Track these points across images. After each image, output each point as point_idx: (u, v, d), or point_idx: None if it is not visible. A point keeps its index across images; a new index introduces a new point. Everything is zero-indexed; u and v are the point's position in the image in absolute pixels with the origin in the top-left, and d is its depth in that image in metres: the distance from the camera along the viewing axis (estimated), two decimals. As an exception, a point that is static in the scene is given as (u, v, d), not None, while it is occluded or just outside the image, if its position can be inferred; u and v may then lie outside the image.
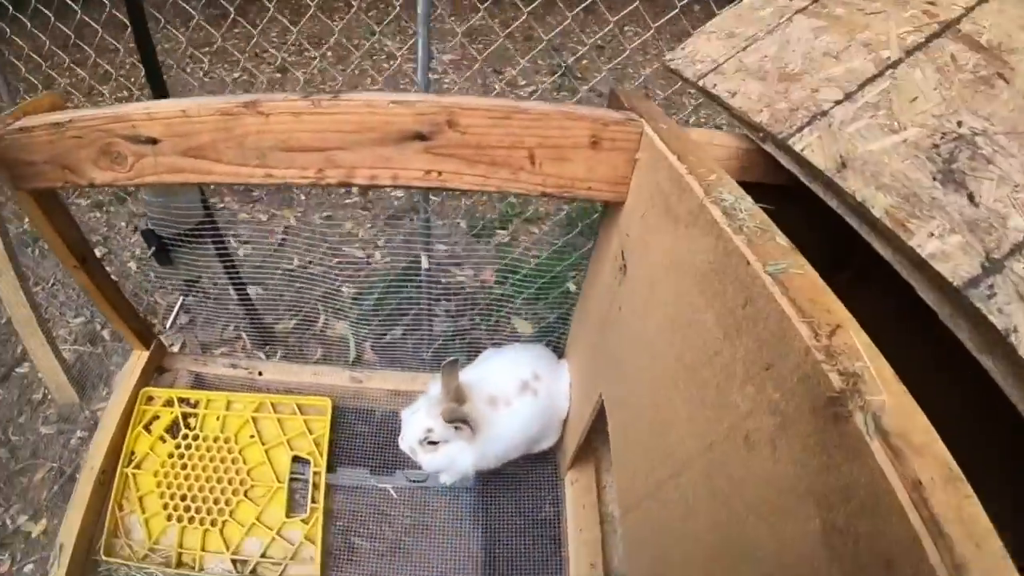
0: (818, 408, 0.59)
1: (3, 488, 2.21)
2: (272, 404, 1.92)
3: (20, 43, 2.22)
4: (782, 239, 0.78)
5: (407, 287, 2.38)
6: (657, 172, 1.07)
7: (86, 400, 2.44)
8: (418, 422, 1.59)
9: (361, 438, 1.96)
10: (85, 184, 1.34)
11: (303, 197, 3.46)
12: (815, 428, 0.60)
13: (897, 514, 0.49)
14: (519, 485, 1.90)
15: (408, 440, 1.62)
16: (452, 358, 1.56)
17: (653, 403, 1.05)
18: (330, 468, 1.87)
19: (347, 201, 3.42)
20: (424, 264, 2.23)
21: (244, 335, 2.66)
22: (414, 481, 1.88)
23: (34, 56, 2.24)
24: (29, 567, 2.02)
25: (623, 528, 1.22)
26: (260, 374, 2.00)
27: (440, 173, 1.26)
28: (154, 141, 1.25)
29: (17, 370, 2.59)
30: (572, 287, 2.82)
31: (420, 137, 1.23)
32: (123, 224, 3.25)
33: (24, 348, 2.51)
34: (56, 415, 2.42)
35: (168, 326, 2.13)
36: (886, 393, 0.56)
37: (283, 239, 3.11)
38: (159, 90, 1.82)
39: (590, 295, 1.61)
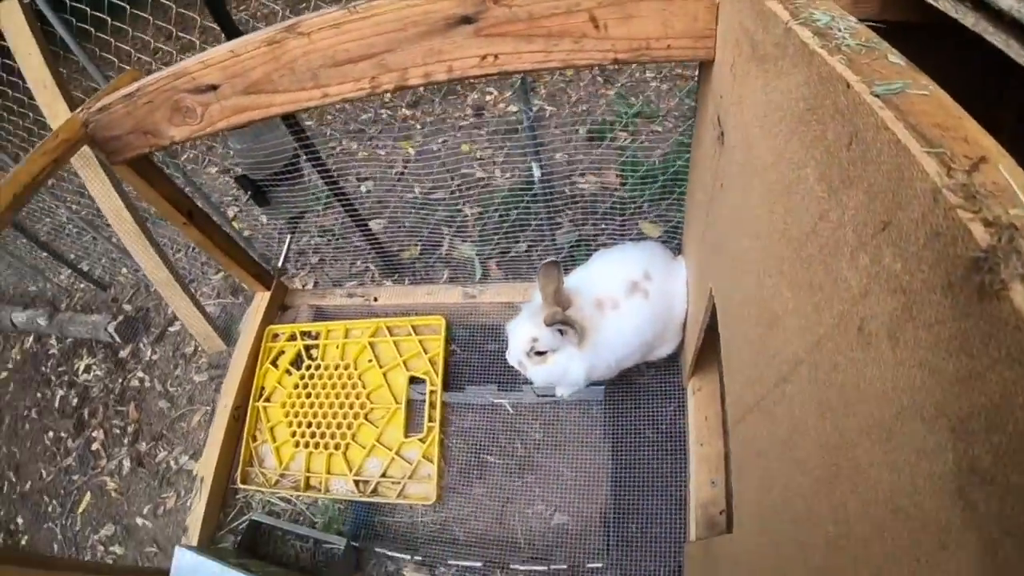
0: (955, 279, 0.38)
1: (166, 435, 2.34)
2: (388, 328, 1.86)
3: (106, 38, 2.22)
4: (897, 57, 0.54)
5: (524, 200, 2.21)
6: (740, 11, 0.83)
7: (233, 346, 2.52)
8: (522, 332, 1.42)
9: (485, 354, 1.86)
10: (167, 144, 1.33)
11: (418, 127, 3.35)
12: (951, 311, 0.38)
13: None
14: (646, 395, 1.73)
15: (515, 353, 1.47)
16: (550, 259, 1.38)
17: (758, 293, 0.84)
18: (456, 386, 1.80)
19: (462, 124, 3.28)
20: (536, 173, 2.06)
21: (372, 267, 2.64)
22: (541, 396, 1.76)
23: (123, 46, 2.24)
24: (191, 502, 2.14)
25: (731, 445, 1.02)
26: (375, 300, 1.95)
27: (496, 56, 1.09)
28: (214, 88, 1.24)
29: (170, 329, 2.71)
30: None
31: (466, 20, 1.06)
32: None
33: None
34: (207, 363, 2.52)
35: (280, 264, 2.12)
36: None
37: (403, 170, 3.03)
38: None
39: (695, 177, 1.37)
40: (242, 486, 1.74)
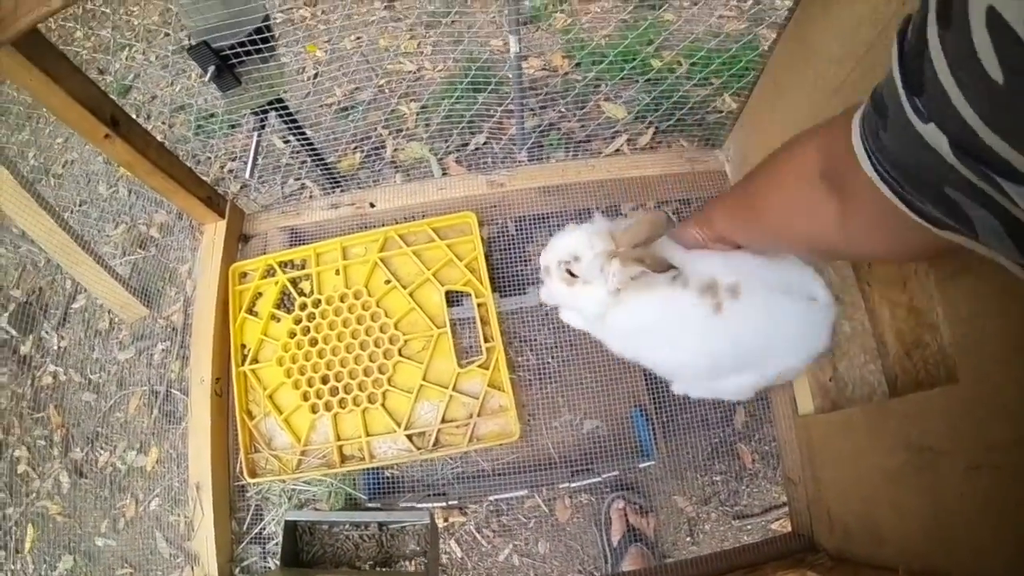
0: None
1: (102, 432, 1.67)
2: (400, 237, 1.30)
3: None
4: None
5: (490, 83, 1.75)
6: None
7: (156, 309, 1.85)
8: (568, 242, 0.90)
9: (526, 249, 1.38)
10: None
11: (321, 27, 2.69)
12: None
13: None
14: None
15: (552, 254, 0.92)
16: (661, 211, 1.01)
17: None
18: (504, 292, 1.30)
19: (372, 19, 2.68)
20: (513, 48, 1.56)
21: (308, 183, 2.05)
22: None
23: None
24: (155, 503, 1.51)
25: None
26: (372, 206, 1.36)
27: None
28: None
29: (73, 306, 1.98)
30: (656, 63, 2.20)
31: None
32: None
33: (72, 281, 1.93)
34: (130, 336, 1.83)
35: (248, 172, 1.45)
36: None
37: (316, 72, 2.42)
38: None
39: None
40: (251, 480, 1.15)
